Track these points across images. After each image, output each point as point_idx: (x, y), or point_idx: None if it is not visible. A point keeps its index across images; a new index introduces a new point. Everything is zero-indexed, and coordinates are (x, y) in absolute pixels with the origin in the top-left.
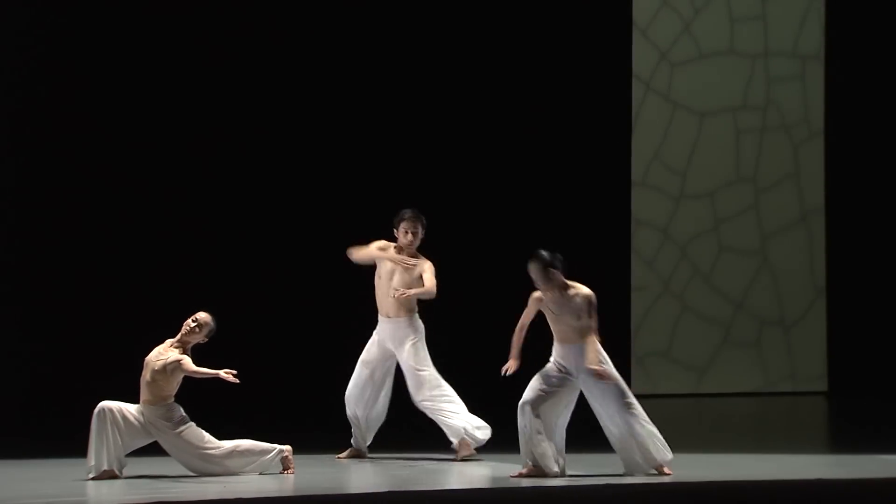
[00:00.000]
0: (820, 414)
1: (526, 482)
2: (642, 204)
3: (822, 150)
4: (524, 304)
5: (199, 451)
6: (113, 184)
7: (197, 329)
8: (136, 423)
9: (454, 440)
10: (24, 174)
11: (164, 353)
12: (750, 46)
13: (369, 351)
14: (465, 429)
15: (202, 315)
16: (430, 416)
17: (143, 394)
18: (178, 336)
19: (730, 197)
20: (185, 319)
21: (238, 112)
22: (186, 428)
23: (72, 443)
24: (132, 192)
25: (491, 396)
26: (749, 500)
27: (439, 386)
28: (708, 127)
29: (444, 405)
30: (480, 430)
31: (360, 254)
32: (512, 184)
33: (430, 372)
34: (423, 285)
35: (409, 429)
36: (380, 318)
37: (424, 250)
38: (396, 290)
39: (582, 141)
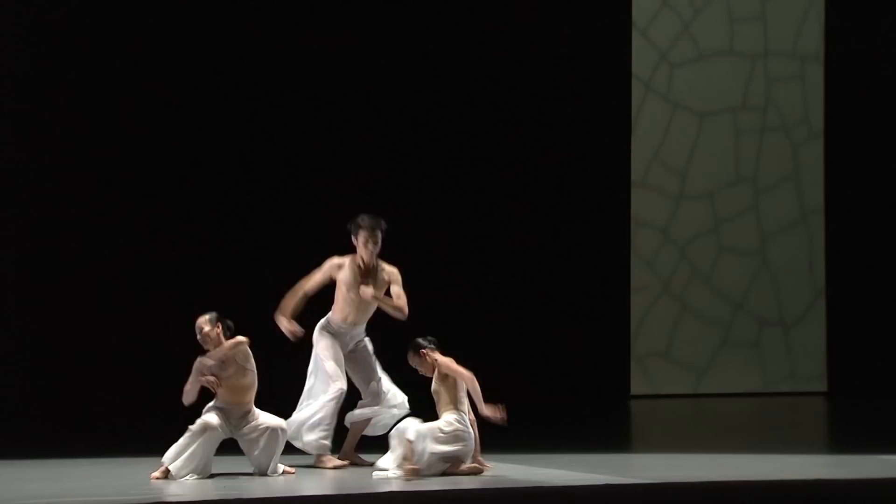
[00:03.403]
0: (820, 414)
1: (526, 482)
2: (642, 204)
3: (821, 151)
4: (525, 302)
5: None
6: (113, 186)
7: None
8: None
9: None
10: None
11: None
12: (750, 47)
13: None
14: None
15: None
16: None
17: None
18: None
19: (729, 197)
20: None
21: (236, 116)
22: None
23: (72, 443)
24: (137, 198)
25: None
26: (749, 500)
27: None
28: (708, 127)
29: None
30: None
31: (297, 294)
32: (512, 184)
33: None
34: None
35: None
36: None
37: (432, 251)
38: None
39: (582, 141)
